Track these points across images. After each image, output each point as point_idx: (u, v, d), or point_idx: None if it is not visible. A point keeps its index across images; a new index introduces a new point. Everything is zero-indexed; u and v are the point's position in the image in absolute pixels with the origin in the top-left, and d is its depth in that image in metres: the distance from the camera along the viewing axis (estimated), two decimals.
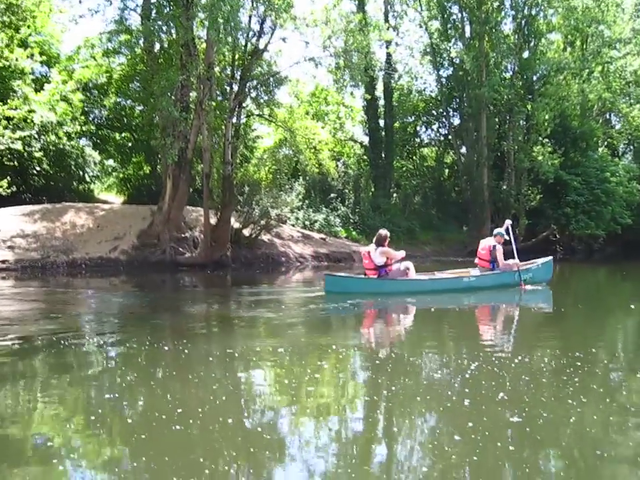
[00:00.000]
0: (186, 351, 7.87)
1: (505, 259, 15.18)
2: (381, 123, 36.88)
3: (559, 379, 6.50)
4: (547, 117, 34.17)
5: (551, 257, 16.43)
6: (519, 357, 7.49)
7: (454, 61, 36.93)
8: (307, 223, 30.23)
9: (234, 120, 23.50)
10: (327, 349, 8.14)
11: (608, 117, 47.72)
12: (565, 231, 35.54)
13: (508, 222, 16.06)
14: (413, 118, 42.40)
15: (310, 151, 31.91)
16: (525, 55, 36.30)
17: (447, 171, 43.38)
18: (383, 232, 13.99)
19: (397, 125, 39.54)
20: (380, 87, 36.74)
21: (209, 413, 5.45)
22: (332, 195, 32.99)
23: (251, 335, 9.57)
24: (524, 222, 35.31)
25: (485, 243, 15.40)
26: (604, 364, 7.45)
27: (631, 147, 51.78)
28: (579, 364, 7.03)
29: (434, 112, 41.78)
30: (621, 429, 5.19)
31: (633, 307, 13.01)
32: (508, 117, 36.09)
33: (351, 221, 32.28)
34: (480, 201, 35.42)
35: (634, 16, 40.88)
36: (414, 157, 43.98)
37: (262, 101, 24.89)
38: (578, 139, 37.66)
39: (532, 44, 36.20)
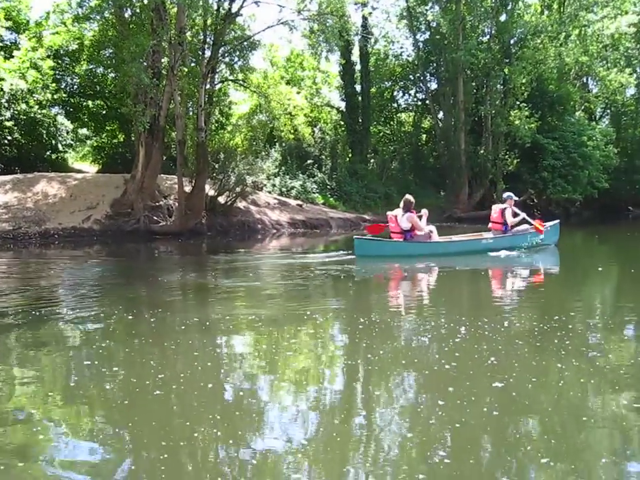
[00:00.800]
0: (164, 319, 7.87)
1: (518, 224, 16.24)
2: (358, 88, 36.46)
3: (539, 342, 6.55)
4: (523, 80, 34.09)
5: (558, 220, 17.52)
6: (506, 322, 7.50)
7: (431, 24, 36.65)
8: (284, 189, 30.00)
9: (207, 86, 23.11)
10: (305, 317, 8.03)
11: (585, 80, 47.68)
12: (542, 195, 35.64)
13: (510, 195, 16.46)
14: (390, 83, 42.10)
15: (285, 116, 31.63)
16: (502, 18, 35.97)
17: (424, 136, 43.20)
18: (409, 197, 14.58)
19: (373, 90, 39.19)
20: (356, 52, 36.28)
21: (189, 379, 5.45)
22: (309, 162, 32.69)
23: (229, 303, 9.49)
24: (501, 186, 35.27)
25: (497, 207, 16.34)
26: (583, 326, 7.46)
27: (608, 111, 51.90)
28: (557, 326, 7.08)
29: (411, 77, 41.46)
30: (599, 389, 5.23)
31: (600, 269, 13.40)
32: (485, 81, 35.91)
33: (328, 187, 32.06)
34: (457, 166, 35.39)
35: None
36: (391, 123, 43.75)
37: (236, 66, 24.52)
38: (555, 103, 37.60)
39: (509, 7, 35.86)
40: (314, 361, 6.26)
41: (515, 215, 15.99)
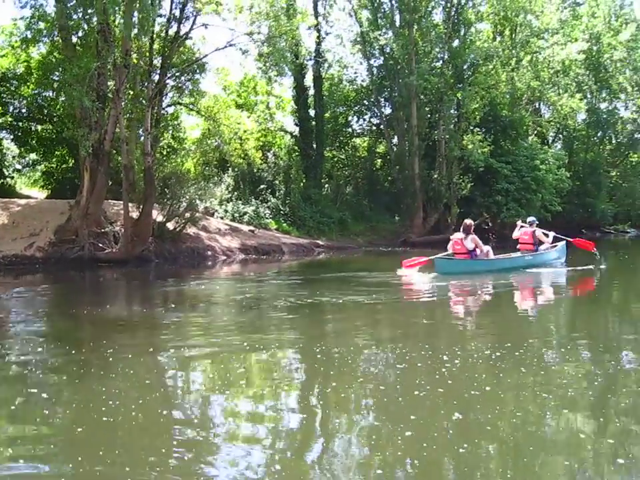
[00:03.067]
0: (109, 349, 7.58)
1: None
2: (312, 112, 36.25)
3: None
4: (476, 105, 34.26)
5: (564, 240, 19.96)
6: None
7: (384, 49, 36.67)
8: (236, 215, 29.60)
9: (154, 110, 22.64)
10: (249, 347, 7.87)
11: (537, 105, 48.38)
12: (497, 218, 35.69)
13: (532, 218, 19.62)
14: (344, 108, 42.10)
15: (235, 141, 31.28)
16: (455, 43, 36.28)
17: (379, 160, 43.18)
18: (468, 221, 16.99)
19: (328, 114, 39.10)
20: (310, 77, 36.17)
21: (141, 407, 5.39)
22: (262, 186, 32.42)
23: (179, 331, 9.23)
24: (455, 211, 35.38)
25: (524, 230, 18.96)
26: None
27: (560, 136, 52.70)
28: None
29: (365, 101, 41.55)
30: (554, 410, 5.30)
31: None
32: (438, 106, 35.95)
33: (282, 212, 31.75)
34: (412, 190, 35.32)
35: (561, 6, 41.48)
36: (346, 147, 43.67)
37: (184, 89, 24.15)
38: (508, 128, 37.93)
39: (462, 33, 36.22)
40: (267, 391, 6.08)
41: (546, 234, 19.10)
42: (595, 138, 53.36)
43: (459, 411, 5.12)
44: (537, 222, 19.49)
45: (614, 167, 57.56)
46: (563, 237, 20.08)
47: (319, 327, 9.91)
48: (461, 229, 16.87)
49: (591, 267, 18.07)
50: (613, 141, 57.62)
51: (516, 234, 19.25)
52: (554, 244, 19.43)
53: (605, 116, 51.82)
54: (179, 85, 23.94)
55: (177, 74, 22.95)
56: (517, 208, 35.39)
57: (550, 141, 51.40)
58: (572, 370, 6.62)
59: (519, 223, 19.85)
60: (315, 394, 5.99)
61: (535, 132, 46.36)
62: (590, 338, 8.48)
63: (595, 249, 19.61)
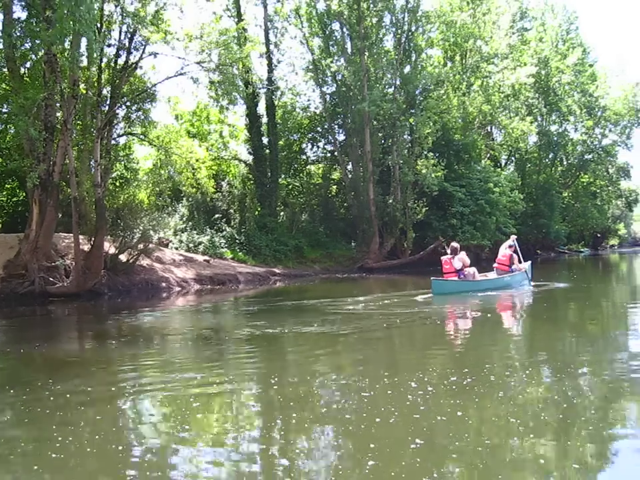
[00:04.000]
0: (58, 387, 7.35)
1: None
2: (265, 141, 36.16)
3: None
4: (429, 130, 34.52)
5: (530, 261, 21.82)
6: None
7: (336, 76, 36.85)
8: (191, 245, 29.25)
9: (104, 141, 22.29)
10: (205, 382, 7.65)
11: (489, 129, 49.10)
12: (452, 242, 35.77)
13: (513, 237, 21.43)
14: (298, 135, 42.17)
15: (187, 170, 30.98)
16: (407, 69, 36.56)
17: (334, 187, 43.16)
18: (455, 244, 19.04)
19: (282, 142, 39.16)
20: (263, 105, 36.09)
21: (91, 448, 5.18)
22: (217, 216, 32.11)
23: (132, 367, 8.94)
24: (411, 235, 35.50)
25: (504, 252, 20.45)
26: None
27: (513, 158, 53.50)
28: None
29: (319, 129, 41.68)
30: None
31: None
32: (391, 132, 36.16)
33: (237, 241, 31.47)
34: (367, 216, 35.37)
35: (509, 32, 42.20)
36: (300, 175, 43.68)
37: (135, 119, 23.84)
38: (461, 151, 38.35)
39: (413, 59, 36.54)
40: (225, 427, 5.86)
41: (520, 260, 20.77)
42: (547, 160, 54.44)
43: (422, 437, 5.07)
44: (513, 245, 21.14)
45: (566, 187, 58.68)
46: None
47: (277, 358, 9.64)
48: (449, 251, 18.70)
49: (551, 285, 20.40)
50: (564, 163, 58.89)
51: (502, 251, 20.68)
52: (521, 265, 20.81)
53: (555, 138, 52.99)
54: (129, 114, 23.59)
55: (127, 104, 22.63)
56: (472, 231, 35.71)
57: (503, 164, 52.24)
58: (534, 392, 6.61)
59: (507, 242, 21.24)
60: (275, 426, 5.82)
61: (488, 155, 46.98)
62: (549, 360, 8.45)
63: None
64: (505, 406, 6.09)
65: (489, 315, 14.37)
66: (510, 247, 20.73)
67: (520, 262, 20.78)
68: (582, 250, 62.52)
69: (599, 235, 73.24)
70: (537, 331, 11.66)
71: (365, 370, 8.03)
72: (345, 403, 6.35)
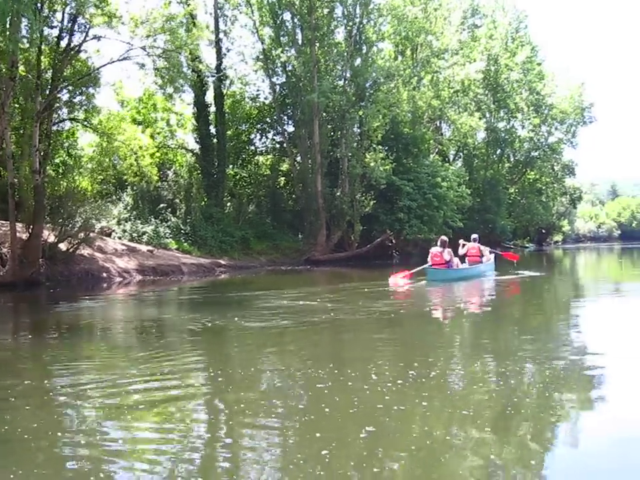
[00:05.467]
0: None
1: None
2: (213, 130, 35.65)
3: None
4: (378, 123, 34.47)
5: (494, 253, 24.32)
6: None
7: (286, 67, 36.55)
8: (135, 235, 28.60)
9: (44, 125, 21.60)
10: (145, 376, 7.22)
11: (438, 124, 49.33)
12: (400, 235, 35.81)
13: (475, 236, 23.19)
14: (247, 125, 41.76)
15: (130, 157, 30.33)
16: (357, 62, 36.37)
17: (282, 179, 42.80)
18: (445, 238, 20.56)
19: (230, 132, 38.71)
20: (211, 94, 35.56)
21: (27, 453, 4.75)
22: (162, 205, 31.50)
23: (70, 361, 8.37)
24: (359, 228, 35.47)
25: (473, 245, 22.20)
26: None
27: (461, 154, 53.88)
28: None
29: (268, 119, 41.30)
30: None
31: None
32: (341, 124, 35.98)
33: (182, 231, 30.90)
34: (314, 208, 35.16)
35: (460, 28, 42.42)
36: (249, 165, 43.22)
37: (77, 104, 23.17)
38: (409, 145, 38.37)
39: (364, 51, 36.37)
40: (170, 420, 5.61)
41: (487, 250, 22.95)
42: (494, 156, 55.01)
43: (369, 426, 5.04)
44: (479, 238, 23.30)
45: (512, 184, 59.41)
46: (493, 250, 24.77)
47: (220, 351, 9.31)
48: (439, 244, 19.96)
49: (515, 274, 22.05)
50: (511, 159, 59.62)
51: (463, 250, 22.18)
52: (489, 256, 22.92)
53: (503, 134, 53.60)
54: (72, 99, 22.89)
55: (70, 88, 21.94)
56: (419, 225, 35.79)
57: (451, 159, 52.61)
58: (478, 382, 6.64)
59: (461, 241, 22.83)
60: (221, 420, 5.63)
61: (436, 150, 47.23)
62: (493, 351, 8.48)
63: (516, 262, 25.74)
64: (451, 397, 6.09)
65: (442, 309, 14.25)
66: (476, 240, 22.67)
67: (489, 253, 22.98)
68: (527, 245, 63.29)
69: (543, 231, 74.32)
70: (484, 325, 11.55)
71: (312, 362, 7.76)
72: (292, 395, 6.27)
